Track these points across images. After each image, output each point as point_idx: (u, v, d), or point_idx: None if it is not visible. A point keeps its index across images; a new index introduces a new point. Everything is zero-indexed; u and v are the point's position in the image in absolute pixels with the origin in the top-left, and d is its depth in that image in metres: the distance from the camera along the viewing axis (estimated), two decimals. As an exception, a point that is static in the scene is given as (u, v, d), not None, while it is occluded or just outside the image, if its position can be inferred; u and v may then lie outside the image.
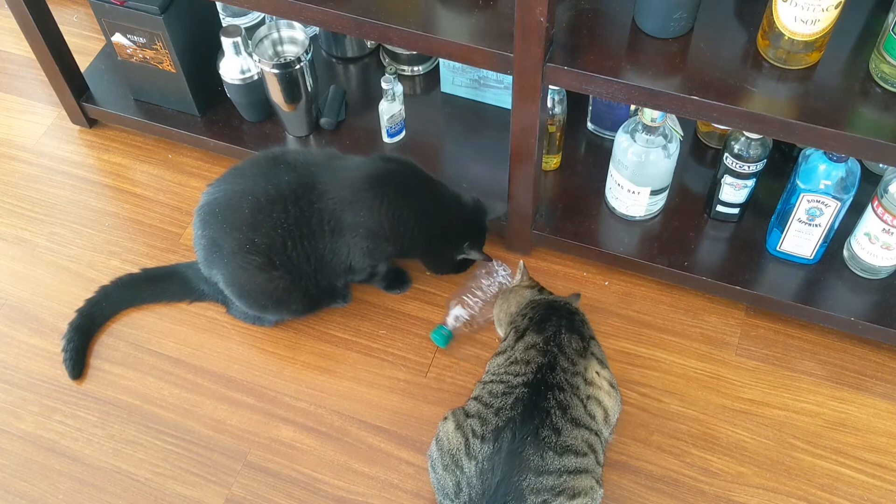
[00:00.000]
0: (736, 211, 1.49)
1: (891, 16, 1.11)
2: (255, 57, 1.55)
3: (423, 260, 1.49)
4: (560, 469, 1.12)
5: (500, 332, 1.39)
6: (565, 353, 1.22)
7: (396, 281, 1.52)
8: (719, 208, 1.49)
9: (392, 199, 1.36)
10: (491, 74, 1.64)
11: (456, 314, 1.46)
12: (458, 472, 1.15)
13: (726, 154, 1.40)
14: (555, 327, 1.24)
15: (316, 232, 1.34)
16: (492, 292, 1.48)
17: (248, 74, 1.59)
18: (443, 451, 1.18)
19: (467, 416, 1.19)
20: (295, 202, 1.33)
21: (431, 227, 1.41)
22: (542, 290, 1.39)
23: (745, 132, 1.36)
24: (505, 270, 1.50)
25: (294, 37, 1.60)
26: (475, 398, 1.23)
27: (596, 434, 1.19)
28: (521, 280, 1.42)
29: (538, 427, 1.13)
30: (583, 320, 1.30)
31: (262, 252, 1.34)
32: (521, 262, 1.44)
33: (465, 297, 1.47)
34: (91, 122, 1.79)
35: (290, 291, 1.39)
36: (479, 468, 1.13)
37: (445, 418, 1.22)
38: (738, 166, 1.40)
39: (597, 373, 1.23)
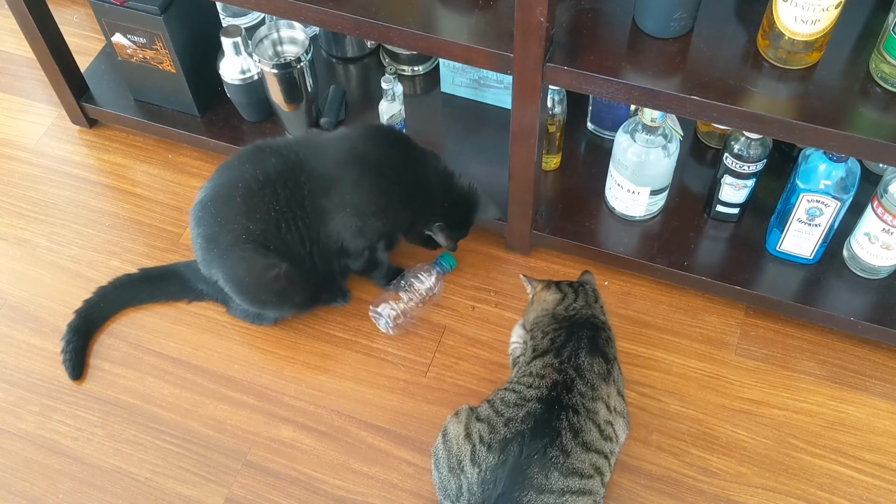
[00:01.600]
0: (736, 211, 1.49)
1: (891, 16, 1.11)
2: (255, 57, 1.55)
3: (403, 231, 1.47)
4: (563, 489, 1.10)
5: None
6: (584, 376, 1.18)
7: (392, 275, 1.52)
8: (719, 208, 1.49)
9: (374, 173, 1.35)
10: (491, 74, 1.64)
11: (389, 309, 1.47)
12: (462, 477, 1.14)
13: (726, 154, 1.40)
14: (573, 348, 1.21)
15: (309, 213, 1.34)
16: (420, 296, 1.49)
17: (248, 74, 1.59)
18: (450, 454, 1.17)
19: (478, 419, 1.18)
20: (283, 184, 1.33)
21: (414, 197, 1.39)
22: (564, 295, 1.32)
23: (745, 132, 1.36)
24: (430, 276, 1.49)
25: (294, 37, 1.60)
26: (489, 402, 1.21)
27: (606, 457, 1.16)
28: (532, 289, 1.37)
29: (547, 446, 1.11)
30: (608, 338, 1.26)
31: (258, 240, 1.34)
32: (522, 276, 1.40)
33: (399, 293, 1.48)
34: (91, 122, 1.79)
35: (290, 278, 1.37)
36: (481, 476, 1.12)
37: (457, 414, 1.21)
38: (738, 166, 1.40)
39: (615, 400, 1.21)
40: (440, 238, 1.42)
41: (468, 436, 1.16)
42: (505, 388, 1.21)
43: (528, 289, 1.38)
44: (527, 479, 1.10)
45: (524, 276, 1.40)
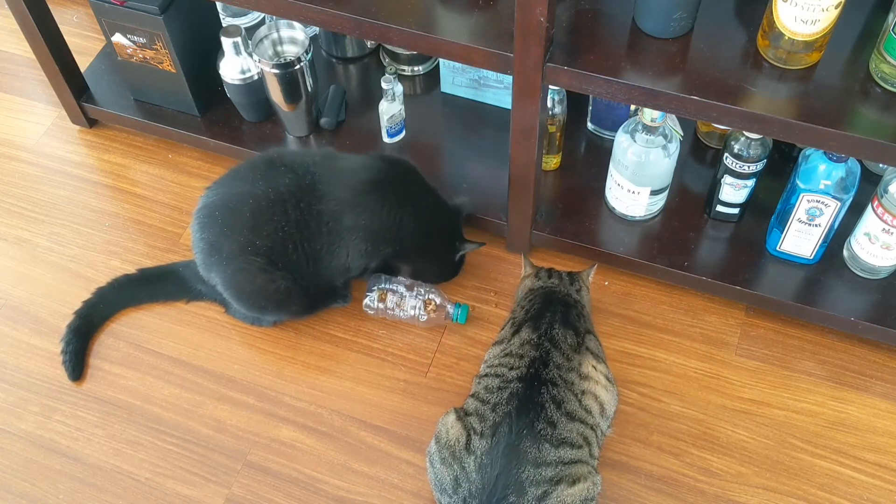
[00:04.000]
0: (736, 211, 1.49)
1: (891, 16, 1.11)
2: (255, 57, 1.55)
3: (415, 271, 1.48)
4: (557, 460, 1.13)
5: None
6: (559, 348, 1.23)
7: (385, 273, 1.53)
8: (719, 208, 1.49)
9: (393, 202, 1.36)
10: (491, 74, 1.64)
11: (376, 303, 1.48)
12: (455, 467, 1.16)
13: (726, 154, 1.40)
14: (548, 322, 1.26)
15: (315, 234, 1.35)
16: (409, 311, 1.48)
17: (248, 74, 1.59)
18: (441, 446, 1.19)
19: (466, 414, 1.21)
20: (296, 205, 1.33)
21: (429, 230, 1.42)
22: (538, 275, 1.38)
23: (745, 132, 1.36)
24: (436, 298, 1.49)
25: (294, 37, 1.60)
26: (473, 395, 1.24)
27: (591, 428, 1.20)
28: (524, 271, 1.42)
29: (534, 420, 1.15)
30: (580, 314, 1.31)
31: (263, 254, 1.34)
32: (522, 254, 1.45)
33: (389, 295, 1.48)
34: (91, 122, 1.79)
35: (290, 292, 1.39)
36: (477, 463, 1.14)
37: (446, 414, 1.23)
38: (738, 166, 1.40)
39: (593, 367, 1.24)
40: (469, 247, 1.46)
41: (460, 429, 1.18)
42: (486, 375, 1.24)
43: (524, 269, 1.43)
44: (521, 454, 1.13)
45: (525, 256, 1.44)
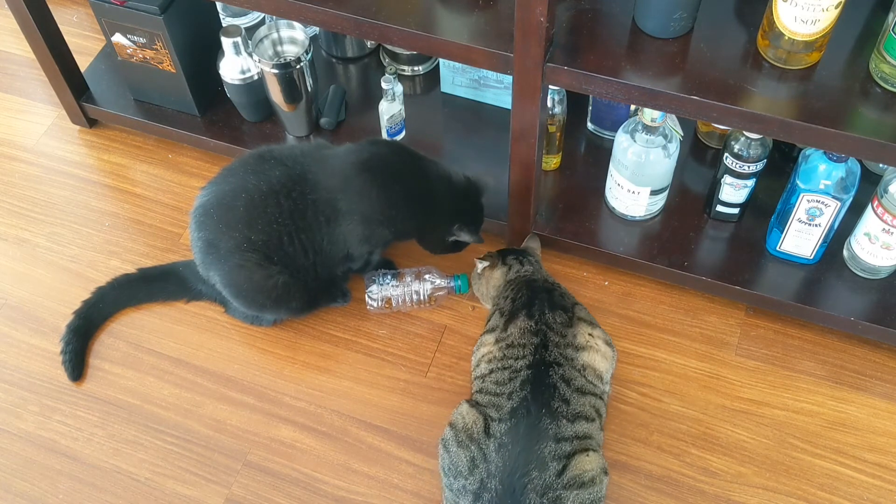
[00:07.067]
0: (736, 211, 1.49)
1: (891, 16, 1.11)
2: (255, 57, 1.55)
3: (418, 241, 1.48)
4: (573, 435, 1.18)
5: (487, 307, 1.44)
6: (554, 329, 1.26)
7: (385, 268, 1.53)
8: (719, 208, 1.49)
9: (382, 183, 1.36)
10: (491, 74, 1.64)
11: (382, 294, 1.49)
12: (473, 448, 1.18)
13: (726, 154, 1.40)
14: (539, 308, 1.29)
15: (312, 224, 1.35)
16: (416, 297, 1.50)
17: (248, 74, 1.59)
18: (457, 430, 1.21)
19: (479, 404, 1.23)
20: (287, 195, 1.33)
21: (423, 208, 1.40)
22: (507, 264, 1.40)
23: (745, 132, 1.36)
24: (435, 279, 1.50)
25: (294, 37, 1.60)
26: (480, 391, 1.25)
27: (599, 397, 1.25)
28: (482, 269, 1.43)
29: (549, 400, 1.19)
30: (562, 293, 1.34)
31: (260, 249, 1.34)
32: (476, 260, 1.45)
33: (390, 285, 1.49)
34: (91, 122, 1.79)
35: (288, 288, 1.38)
36: (497, 443, 1.17)
37: (460, 404, 1.25)
38: (738, 166, 1.40)
39: (589, 334, 1.28)
40: (464, 236, 1.43)
41: (476, 414, 1.21)
42: (492, 371, 1.26)
43: (479, 267, 1.44)
44: (542, 431, 1.17)
45: (478, 259, 1.45)
